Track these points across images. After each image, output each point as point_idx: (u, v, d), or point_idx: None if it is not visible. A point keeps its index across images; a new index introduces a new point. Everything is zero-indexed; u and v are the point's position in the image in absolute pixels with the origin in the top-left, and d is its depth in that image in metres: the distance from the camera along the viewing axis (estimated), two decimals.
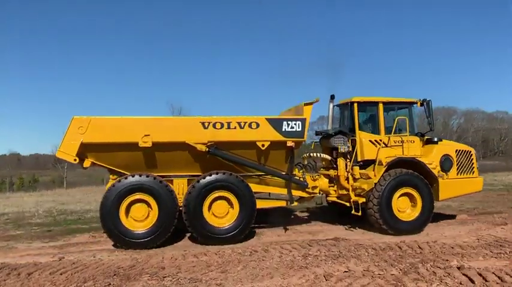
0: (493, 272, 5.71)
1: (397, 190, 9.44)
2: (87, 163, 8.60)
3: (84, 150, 8.41)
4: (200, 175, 8.88)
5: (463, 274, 5.71)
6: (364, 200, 9.57)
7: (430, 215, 9.68)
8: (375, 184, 9.36)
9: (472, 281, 5.42)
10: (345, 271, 6.11)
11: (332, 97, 10.38)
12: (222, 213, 8.85)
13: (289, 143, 9.13)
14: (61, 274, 6.35)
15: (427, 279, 5.59)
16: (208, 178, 8.72)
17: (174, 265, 6.76)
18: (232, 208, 8.88)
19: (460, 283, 5.38)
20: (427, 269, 6.01)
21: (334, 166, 10.38)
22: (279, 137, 9.06)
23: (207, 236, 8.61)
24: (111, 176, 8.94)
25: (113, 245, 8.61)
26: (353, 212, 9.70)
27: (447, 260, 6.53)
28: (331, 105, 10.54)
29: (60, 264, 6.98)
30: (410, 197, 9.61)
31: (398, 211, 9.46)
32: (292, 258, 7.00)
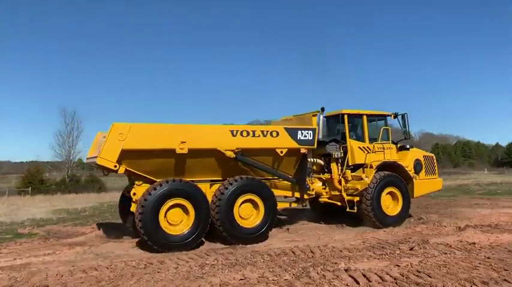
0: (375, 273, 6.16)
1: (384, 189, 11.04)
2: (122, 170, 8.62)
3: (122, 156, 8.45)
4: (221, 180, 9.60)
5: (350, 276, 6.06)
6: (358, 198, 10.90)
7: (408, 210, 11.62)
8: (368, 184, 10.76)
9: (357, 282, 5.77)
10: (241, 279, 6.15)
11: (322, 109, 11.45)
12: (247, 215, 9.53)
13: (303, 150, 10.25)
14: None
15: (317, 282, 5.84)
16: (238, 182, 9.34)
17: (60, 283, 6.23)
18: (257, 209, 9.62)
19: (347, 285, 5.71)
20: (317, 273, 6.28)
21: (326, 170, 11.70)
22: (294, 144, 10.06)
23: (237, 236, 9.21)
24: (136, 182, 9.00)
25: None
26: (348, 209, 11.09)
27: (336, 263, 6.89)
28: (321, 117, 11.42)
29: None
30: (393, 195, 11.29)
31: (386, 207, 11.02)
32: (189, 268, 6.87)
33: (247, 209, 9.53)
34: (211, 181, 9.64)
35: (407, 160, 11.94)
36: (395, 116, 12.12)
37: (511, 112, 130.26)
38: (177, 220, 8.77)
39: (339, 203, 11.40)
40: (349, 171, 11.25)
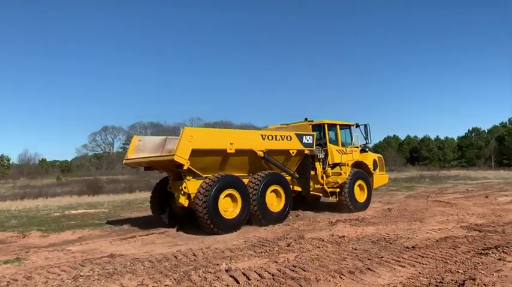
0: (255, 271, 6.34)
1: (356, 182, 13.86)
2: (186, 166, 10.00)
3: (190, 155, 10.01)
4: (245, 175, 11.62)
5: (230, 276, 6.15)
6: (339, 190, 13.52)
7: (371, 198, 14.67)
8: (346, 178, 13.45)
9: (237, 282, 5.88)
10: None
11: (306, 119, 14.29)
12: (273, 201, 11.79)
13: (306, 151, 12.81)
14: None
15: (199, 285, 5.82)
16: (267, 176, 11.52)
17: None
18: (279, 197, 11.90)
19: (227, 285, 5.78)
20: (199, 276, 6.27)
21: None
22: (301, 147, 12.61)
23: (268, 218, 11.37)
24: (188, 177, 10.45)
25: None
26: (330, 198, 13.74)
27: (217, 264, 6.96)
28: None
29: None
30: (361, 187, 14.13)
31: (357, 196, 13.83)
32: (61, 282, 6.36)
33: (273, 197, 11.79)
34: (239, 176, 11.33)
35: (368, 160, 14.98)
36: (357, 125, 14.83)
37: (370, 115, 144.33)
38: (228, 207, 10.64)
39: (321, 194, 14.11)
40: (330, 169, 13.82)
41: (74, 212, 17.28)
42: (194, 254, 7.87)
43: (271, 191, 11.67)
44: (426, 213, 12.58)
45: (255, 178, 11.41)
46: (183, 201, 10.53)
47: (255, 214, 11.13)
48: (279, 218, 11.67)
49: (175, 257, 7.74)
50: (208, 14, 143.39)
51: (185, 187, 10.37)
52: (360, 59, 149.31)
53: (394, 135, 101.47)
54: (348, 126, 15.06)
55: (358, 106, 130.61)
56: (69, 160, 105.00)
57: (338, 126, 14.54)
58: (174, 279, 6.18)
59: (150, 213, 12.27)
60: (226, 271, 6.45)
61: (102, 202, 22.05)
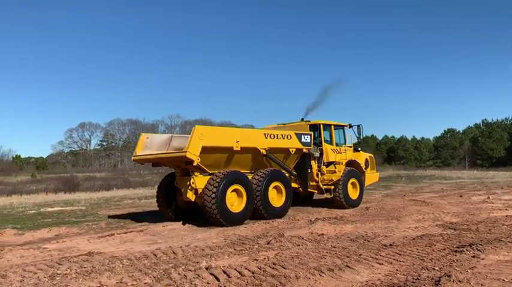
0: (235, 268, 6.36)
1: (349, 179, 14.30)
2: (196, 162, 10.51)
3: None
4: (249, 172, 12.18)
5: (211, 274, 6.14)
6: (333, 187, 14.00)
7: (363, 195, 15.18)
8: (340, 176, 13.94)
9: (218, 279, 5.88)
10: (97, 286, 5.81)
11: (302, 119, 14.90)
12: (274, 198, 12.27)
13: (305, 150, 13.49)
14: None
15: (179, 283, 5.80)
16: (269, 173, 12.00)
17: None
18: (280, 193, 12.42)
19: (208, 283, 5.77)
20: (179, 274, 6.24)
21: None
22: (300, 145, 13.24)
23: (271, 213, 11.92)
24: (196, 173, 11.02)
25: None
26: (325, 195, 14.22)
27: (197, 262, 6.95)
28: None
29: None
30: (353, 184, 14.57)
31: (350, 193, 14.30)
32: (37, 280, 6.24)
33: (274, 193, 12.32)
34: (243, 172, 11.82)
35: (360, 159, 15.62)
36: (350, 126, 15.54)
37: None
38: (234, 201, 11.16)
39: (316, 191, 14.57)
40: (325, 167, 14.35)
41: (49, 209, 16.97)
42: (174, 252, 7.83)
43: (273, 187, 12.22)
44: (403, 212, 12.79)
45: (258, 175, 11.93)
46: (190, 196, 11.09)
47: (258, 208, 11.64)
48: (280, 212, 12.23)
49: (155, 255, 7.69)
50: (189, 15, 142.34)
51: (193, 183, 10.90)
52: (338, 62, 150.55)
53: (372, 135, 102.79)
54: (342, 127, 15.68)
55: (337, 107, 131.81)
56: (45, 156, 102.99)
57: (332, 126, 15.14)
58: (154, 277, 6.14)
59: (128, 211, 12.19)
60: (206, 268, 6.45)
61: (79, 200, 21.72)
